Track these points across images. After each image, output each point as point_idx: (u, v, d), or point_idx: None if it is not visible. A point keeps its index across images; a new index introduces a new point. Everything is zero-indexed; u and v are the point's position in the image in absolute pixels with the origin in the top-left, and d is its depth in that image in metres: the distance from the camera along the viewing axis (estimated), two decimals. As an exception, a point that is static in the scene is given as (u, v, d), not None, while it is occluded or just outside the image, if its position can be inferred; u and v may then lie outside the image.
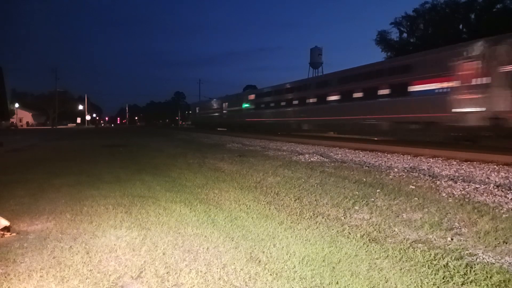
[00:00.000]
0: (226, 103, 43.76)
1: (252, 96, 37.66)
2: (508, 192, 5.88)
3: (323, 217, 4.93)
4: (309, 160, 10.94)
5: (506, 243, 3.75)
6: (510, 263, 3.30)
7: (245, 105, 38.36)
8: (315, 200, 5.89)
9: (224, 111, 44.26)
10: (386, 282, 2.93)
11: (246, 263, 3.31)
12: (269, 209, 5.41)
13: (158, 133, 41.36)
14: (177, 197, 6.10)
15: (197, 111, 58.92)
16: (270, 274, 3.07)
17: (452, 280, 2.95)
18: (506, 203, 5.24)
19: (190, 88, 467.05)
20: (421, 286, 2.88)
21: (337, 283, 2.91)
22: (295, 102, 28.58)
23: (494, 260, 3.36)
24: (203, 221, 4.71)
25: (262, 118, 34.45)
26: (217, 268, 3.20)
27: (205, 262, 3.34)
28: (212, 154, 13.38)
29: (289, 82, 31.30)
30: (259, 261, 3.36)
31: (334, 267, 3.22)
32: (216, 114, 47.17)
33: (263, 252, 3.60)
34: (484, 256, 3.47)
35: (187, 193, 6.47)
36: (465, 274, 3.06)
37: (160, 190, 6.74)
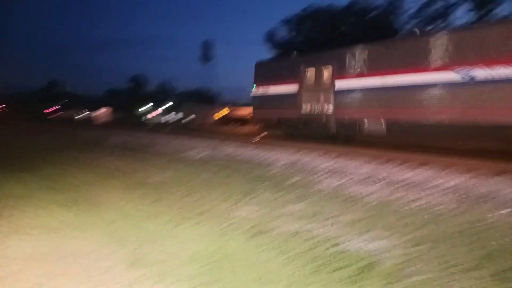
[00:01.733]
0: None
1: None
2: (377, 183, 6.64)
3: (212, 212, 4.96)
4: (200, 154, 10.91)
5: (370, 231, 4.21)
6: (371, 249, 3.70)
7: None
8: (207, 195, 5.90)
9: None
10: (271, 273, 3.08)
11: (130, 265, 3.17)
12: (158, 206, 5.26)
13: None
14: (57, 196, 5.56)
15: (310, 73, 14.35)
16: (157, 275, 2.99)
17: (328, 267, 3.22)
18: (373, 192, 5.91)
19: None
20: (303, 274, 3.08)
21: (225, 277, 2.97)
22: None
23: (362, 246, 3.76)
24: (83, 222, 4.38)
25: None
26: (99, 272, 3.01)
27: (85, 267, 3.11)
28: (91, 149, 12.43)
29: None
30: (145, 262, 3.24)
31: (222, 262, 3.27)
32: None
33: (150, 252, 3.48)
34: (355, 242, 3.86)
35: (64, 193, 5.94)
36: (338, 260, 3.37)
37: (40, 189, 6.07)
